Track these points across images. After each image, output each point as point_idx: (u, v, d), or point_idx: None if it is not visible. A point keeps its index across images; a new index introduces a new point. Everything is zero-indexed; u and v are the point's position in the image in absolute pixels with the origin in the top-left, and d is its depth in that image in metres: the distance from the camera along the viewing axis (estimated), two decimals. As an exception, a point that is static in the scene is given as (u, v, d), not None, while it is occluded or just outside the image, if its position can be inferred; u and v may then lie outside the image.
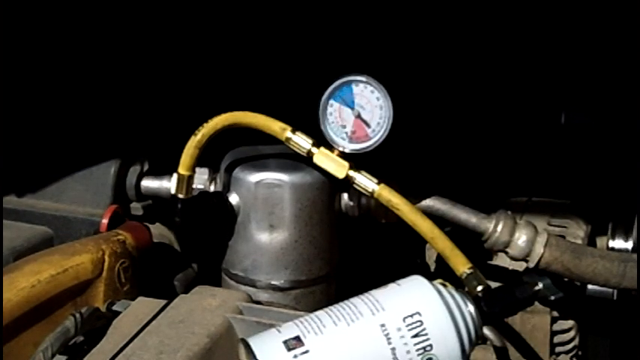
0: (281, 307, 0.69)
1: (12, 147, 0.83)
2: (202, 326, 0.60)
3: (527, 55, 0.96)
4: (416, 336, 0.49)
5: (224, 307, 0.63)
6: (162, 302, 0.65)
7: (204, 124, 0.71)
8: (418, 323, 0.49)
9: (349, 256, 0.79)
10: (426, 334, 0.49)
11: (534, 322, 0.80)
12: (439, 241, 0.69)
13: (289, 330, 0.49)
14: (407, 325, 0.49)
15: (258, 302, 0.69)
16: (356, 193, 0.74)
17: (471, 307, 0.53)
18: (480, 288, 0.66)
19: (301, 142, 0.71)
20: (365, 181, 0.71)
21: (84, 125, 0.92)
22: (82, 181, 0.85)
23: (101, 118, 0.95)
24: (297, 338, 0.48)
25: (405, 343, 0.48)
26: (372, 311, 0.49)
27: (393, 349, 0.48)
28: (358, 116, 0.72)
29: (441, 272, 0.77)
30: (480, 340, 0.56)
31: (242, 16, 1.02)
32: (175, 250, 0.89)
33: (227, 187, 0.75)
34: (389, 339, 0.48)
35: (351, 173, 0.71)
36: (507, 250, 0.72)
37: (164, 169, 0.84)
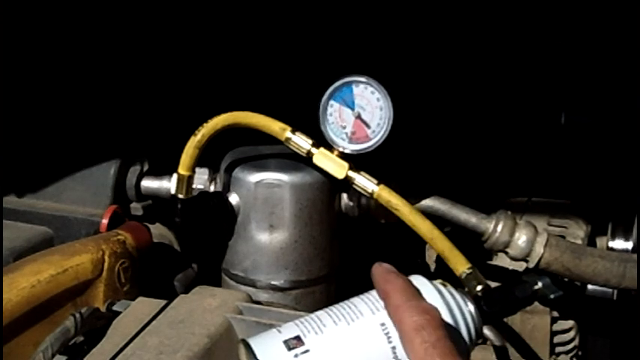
0: (281, 307, 0.69)
1: (12, 147, 0.83)
2: (202, 326, 0.60)
3: (528, 56, 0.96)
4: None
5: (224, 307, 0.63)
6: (162, 302, 0.65)
7: (204, 124, 0.71)
8: None
9: (349, 256, 0.79)
10: None
11: (534, 322, 0.80)
12: (438, 242, 0.69)
13: (289, 330, 0.48)
14: None
15: (258, 302, 0.69)
16: (356, 193, 0.74)
17: (471, 307, 0.53)
18: (479, 288, 0.67)
19: (301, 142, 0.71)
20: (364, 182, 0.71)
21: (84, 125, 0.92)
22: (82, 181, 0.85)
23: (101, 119, 0.95)
24: (298, 338, 0.48)
25: (405, 342, 0.48)
26: (372, 310, 0.49)
27: (394, 347, 0.48)
28: (358, 117, 0.72)
29: (441, 272, 0.77)
30: (480, 339, 0.55)
31: (242, 16, 1.02)
32: (175, 250, 0.89)
33: (227, 187, 0.75)
34: (389, 338, 0.48)
35: (351, 174, 0.71)
36: (507, 250, 0.72)
37: (164, 169, 0.84)
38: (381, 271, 0.51)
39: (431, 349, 0.45)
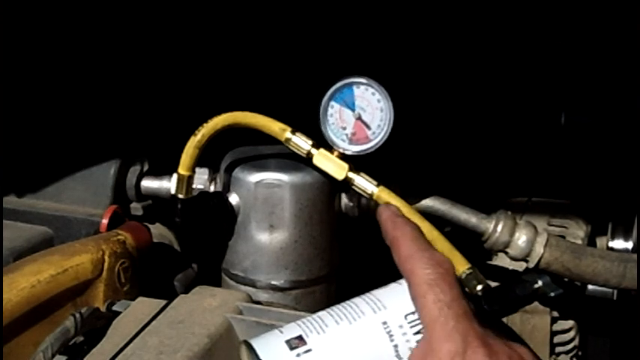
0: (281, 307, 0.69)
1: (12, 147, 0.83)
2: (202, 326, 0.60)
3: (528, 56, 0.96)
4: (418, 333, 0.49)
5: (224, 307, 0.63)
6: (163, 302, 0.65)
7: (204, 124, 0.71)
8: (420, 320, 0.49)
9: (349, 256, 0.79)
10: None
11: (534, 323, 0.80)
12: (438, 243, 0.69)
13: (291, 330, 0.49)
14: (409, 323, 0.49)
15: (258, 302, 0.69)
16: (356, 194, 0.74)
17: (472, 306, 0.53)
18: (479, 287, 0.67)
19: (301, 143, 0.71)
20: (364, 183, 0.71)
21: (84, 125, 0.92)
22: (82, 181, 0.85)
23: (101, 118, 0.95)
24: (300, 337, 0.48)
25: (408, 340, 0.48)
26: (373, 310, 0.49)
27: (396, 346, 0.48)
28: (359, 118, 0.71)
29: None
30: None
31: (242, 16, 1.02)
32: (175, 250, 0.89)
33: (227, 187, 0.75)
34: (391, 336, 0.48)
35: (351, 175, 0.71)
36: (507, 250, 0.72)
37: (164, 169, 0.84)
38: (389, 214, 0.48)
39: (446, 309, 0.42)
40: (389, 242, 0.47)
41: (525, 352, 0.46)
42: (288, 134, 0.71)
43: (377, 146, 0.71)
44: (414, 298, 0.44)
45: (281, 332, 0.48)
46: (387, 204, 0.49)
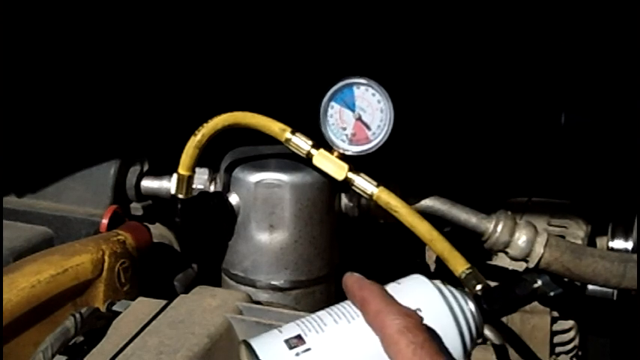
0: (281, 307, 0.69)
1: (12, 147, 0.83)
2: (202, 326, 0.60)
3: (527, 56, 0.96)
4: None
5: (224, 307, 0.63)
6: (163, 302, 0.65)
7: (204, 124, 0.71)
8: None
9: (349, 256, 0.79)
10: None
11: (534, 322, 0.80)
12: (437, 243, 0.69)
13: (290, 330, 0.49)
14: None
15: (258, 302, 0.69)
16: (356, 194, 0.74)
17: (472, 305, 0.53)
18: (479, 287, 0.67)
19: (301, 143, 0.71)
20: (364, 184, 0.71)
21: (84, 125, 0.92)
22: (82, 181, 0.85)
23: (101, 119, 0.95)
24: (299, 337, 0.48)
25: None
26: (372, 309, 0.50)
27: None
28: (359, 119, 0.71)
29: (441, 272, 0.77)
30: (480, 337, 0.55)
31: (242, 16, 1.02)
32: (175, 250, 0.89)
33: (227, 188, 0.75)
34: (390, 336, 0.48)
35: (350, 175, 0.71)
36: (507, 250, 0.72)
37: (164, 169, 0.84)
38: (354, 279, 0.51)
39: (419, 350, 0.44)
40: (358, 304, 0.49)
41: None
42: (288, 134, 0.71)
43: (377, 147, 0.71)
44: (387, 349, 0.46)
45: (280, 332, 0.48)
46: (350, 272, 0.50)
